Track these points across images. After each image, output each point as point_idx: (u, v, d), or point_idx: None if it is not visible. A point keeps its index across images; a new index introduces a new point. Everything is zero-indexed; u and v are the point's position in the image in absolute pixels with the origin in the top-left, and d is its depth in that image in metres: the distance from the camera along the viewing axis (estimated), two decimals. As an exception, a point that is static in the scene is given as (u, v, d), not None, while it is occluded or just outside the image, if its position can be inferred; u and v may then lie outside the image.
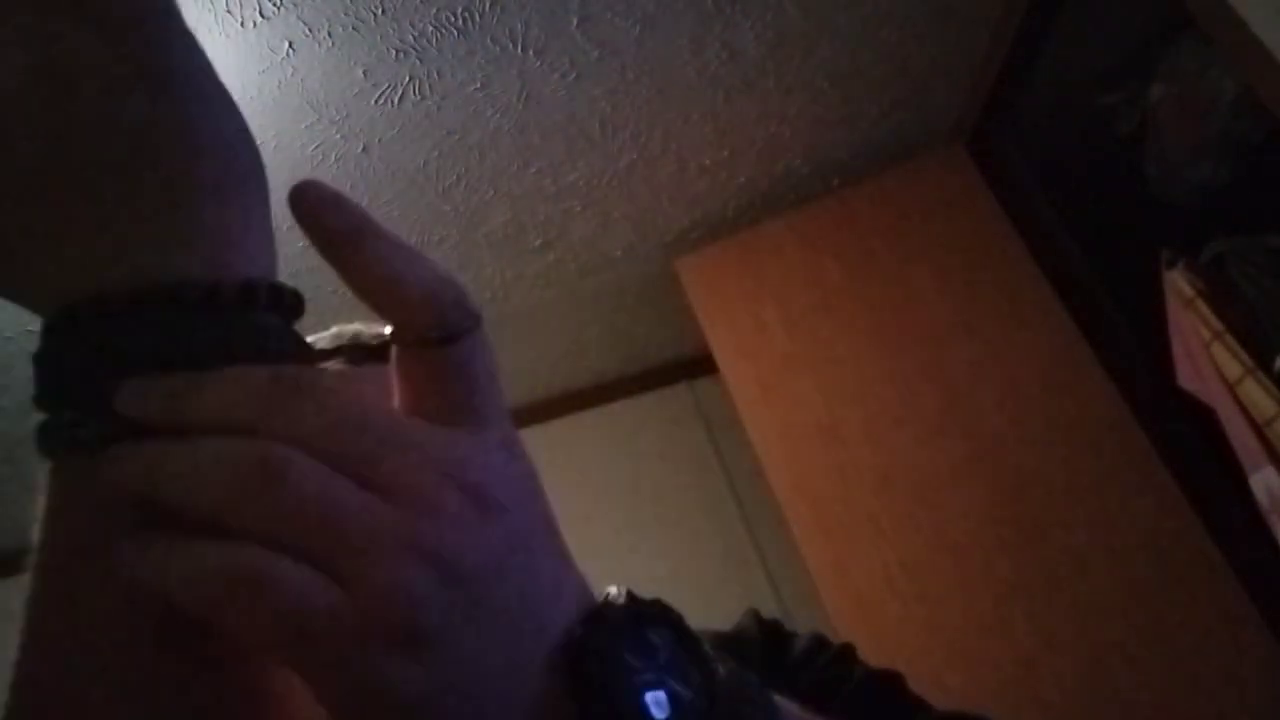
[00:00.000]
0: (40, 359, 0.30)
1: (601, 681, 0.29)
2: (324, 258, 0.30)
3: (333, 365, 0.62)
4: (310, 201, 0.30)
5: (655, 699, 0.29)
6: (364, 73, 1.68)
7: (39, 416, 0.30)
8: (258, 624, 0.25)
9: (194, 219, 0.30)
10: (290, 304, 0.32)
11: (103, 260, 0.29)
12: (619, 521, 2.73)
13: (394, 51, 1.66)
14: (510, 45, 1.72)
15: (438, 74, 1.73)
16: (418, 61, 1.69)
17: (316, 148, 1.81)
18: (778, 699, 0.34)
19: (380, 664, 0.25)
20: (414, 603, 0.26)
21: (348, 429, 0.27)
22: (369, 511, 0.26)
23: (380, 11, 1.58)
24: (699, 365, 2.69)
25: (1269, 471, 1.68)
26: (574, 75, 1.82)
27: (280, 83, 1.66)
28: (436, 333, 0.30)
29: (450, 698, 0.26)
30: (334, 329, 0.68)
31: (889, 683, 0.61)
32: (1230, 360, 1.70)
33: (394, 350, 0.31)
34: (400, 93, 1.74)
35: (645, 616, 0.31)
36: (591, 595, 0.32)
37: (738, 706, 0.31)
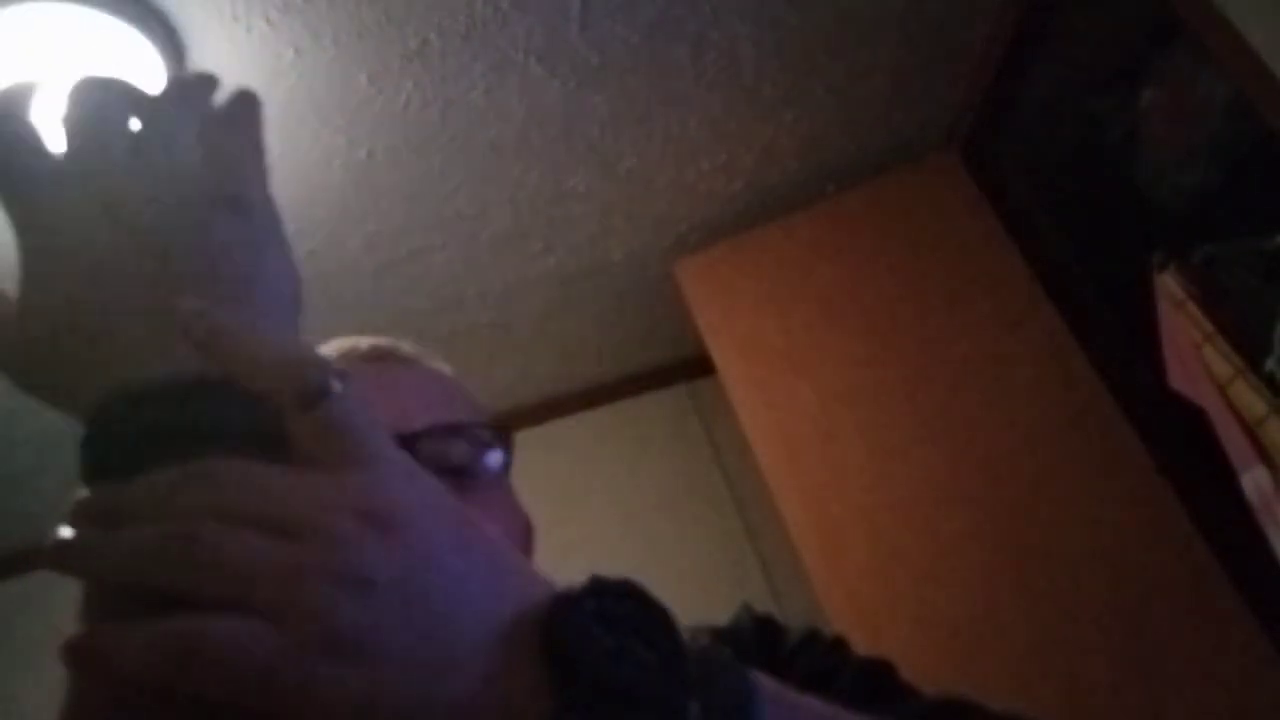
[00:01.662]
0: (96, 439, 0.36)
1: (573, 652, 0.31)
2: (209, 362, 0.36)
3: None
4: (182, 316, 0.36)
5: (628, 663, 0.31)
6: (368, 79, 1.70)
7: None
8: (214, 679, 0.28)
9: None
10: None
11: (156, 355, 0.37)
12: (617, 521, 2.74)
13: (398, 58, 1.68)
14: (513, 52, 1.74)
15: (441, 80, 1.75)
16: (421, 68, 1.71)
17: (321, 154, 1.83)
18: (754, 673, 0.35)
19: (325, 678, 0.29)
20: (335, 618, 0.29)
21: (250, 494, 0.32)
22: (277, 553, 0.30)
23: (385, 19, 1.60)
24: (697, 367, 2.70)
25: (1259, 471, 1.70)
26: (575, 82, 1.85)
27: (285, 89, 1.67)
28: (303, 399, 0.34)
29: (394, 693, 0.29)
30: (334, 341, 0.70)
31: (880, 670, 0.63)
32: (1221, 361, 1.71)
33: (289, 420, 0.35)
34: (404, 99, 1.76)
35: (608, 590, 0.34)
36: (550, 583, 0.35)
37: (709, 668, 0.33)
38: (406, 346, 0.71)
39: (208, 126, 0.43)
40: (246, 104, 0.45)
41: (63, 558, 0.32)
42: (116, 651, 0.29)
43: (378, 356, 0.69)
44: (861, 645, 0.66)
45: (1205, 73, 1.83)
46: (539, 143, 1.97)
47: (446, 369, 0.72)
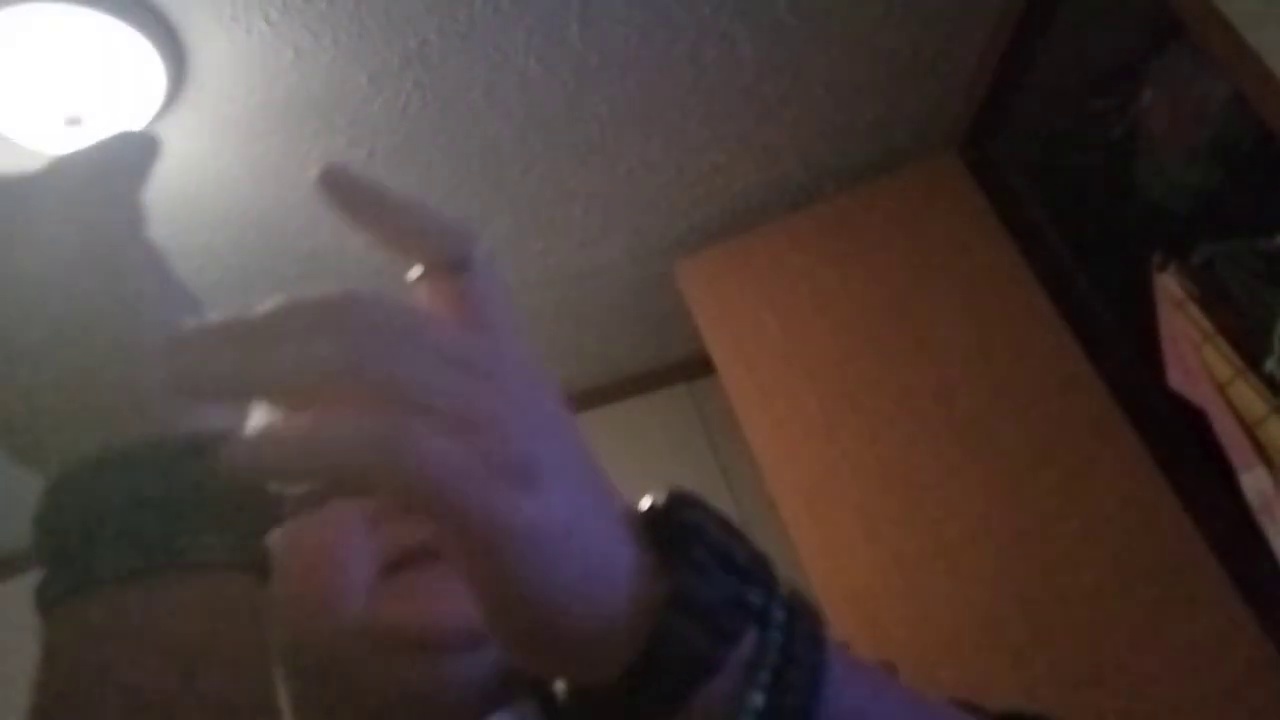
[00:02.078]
0: (60, 506, 0.35)
1: (688, 542, 0.33)
2: (352, 222, 0.36)
3: None
4: (337, 178, 0.37)
5: (735, 560, 0.34)
6: (368, 79, 1.70)
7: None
8: (413, 476, 0.29)
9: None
10: None
11: (120, 426, 0.36)
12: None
13: (398, 58, 1.68)
14: (512, 53, 1.74)
15: (441, 80, 1.75)
16: (421, 68, 1.71)
17: (321, 153, 1.83)
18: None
19: (505, 499, 0.30)
20: (518, 445, 0.31)
21: (417, 324, 0.31)
22: (463, 377, 0.31)
23: (384, 19, 1.60)
24: (697, 367, 2.70)
25: (1259, 471, 1.70)
26: (575, 82, 1.85)
27: (285, 89, 1.67)
28: (447, 264, 0.36)
29: (560, 527, 0.31)
30: None
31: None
32: (1220, 362, 1.72)
33: (426, 283, 0.36)
34: (404, 99, 1.76)
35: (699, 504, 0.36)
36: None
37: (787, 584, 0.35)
38: None
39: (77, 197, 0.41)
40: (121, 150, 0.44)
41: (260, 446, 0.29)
42: (328, 433, 0.28)
43: None
44: (862, 645, 0.66)
45: (1205, 73, 1.83)
46: (539, 143, 1.97)
47: None
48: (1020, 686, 1.84)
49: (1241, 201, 1.86)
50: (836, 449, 2.12)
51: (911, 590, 1.98)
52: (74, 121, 1.55)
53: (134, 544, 0.33)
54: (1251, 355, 1.69)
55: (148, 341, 0.37)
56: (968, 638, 1.91)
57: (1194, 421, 1.81)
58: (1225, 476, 1.78)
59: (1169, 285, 1.78)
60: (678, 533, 0.34)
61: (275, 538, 0.37)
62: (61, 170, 0.42)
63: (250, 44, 1.58)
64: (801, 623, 0.34)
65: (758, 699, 0.32)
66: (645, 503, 0.36)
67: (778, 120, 2.14)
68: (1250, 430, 1.70)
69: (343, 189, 0.37)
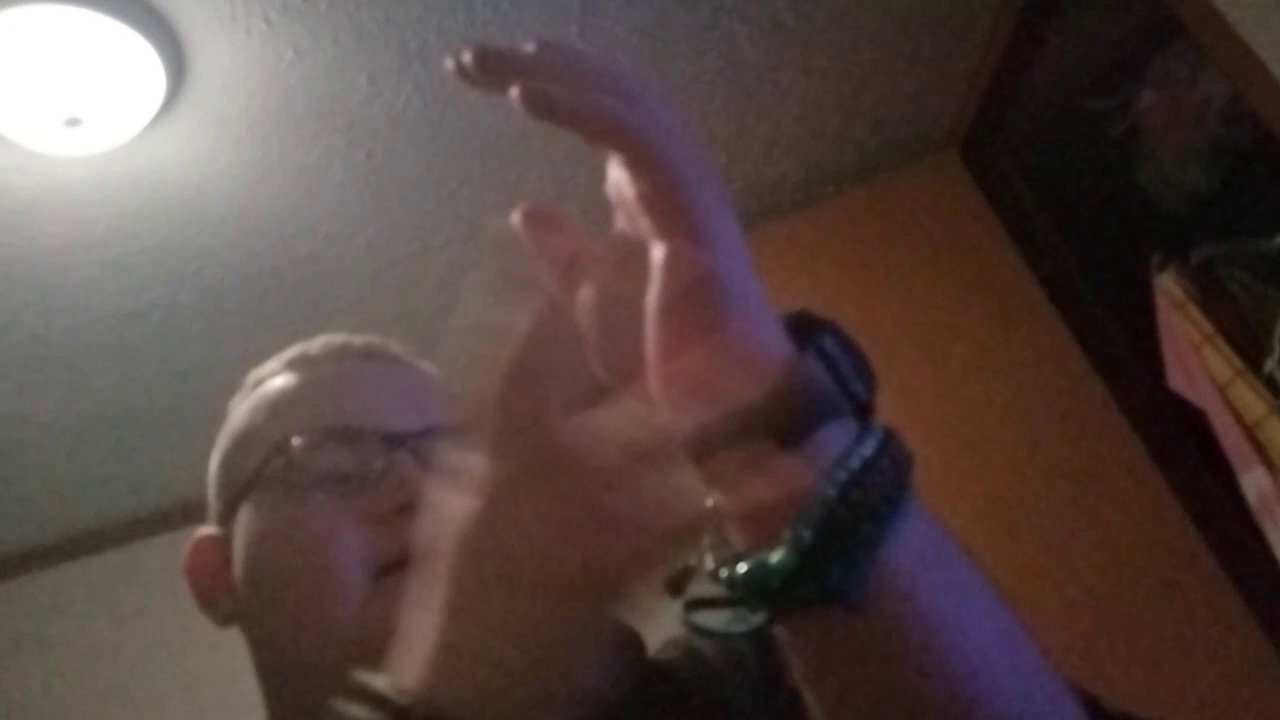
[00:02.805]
0: None
1: (821, 332, 0.43)
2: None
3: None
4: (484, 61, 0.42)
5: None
6: (368, 80, 1.70)
7: None
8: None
9: None
10: None
11: None
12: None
13: (398, 59, 1.68)
14: (512, 53, 1.73)
15: (441, 81, 1.74)
16: (421, 69, 1.71)
17: (321, 155, 1.83)
18: None
19: (682, 245, 0.39)
20: (692, 195, 0.41)
21: None
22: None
23: (385, 20, 1.60)
24: (697, 368, 2.70)
25: (1259, 472, 1.70)
26: (574, 82, 1.84)
27: (285, 90, 1.67)
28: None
29: (732, 276, 0.40)
30: (324, 338, 0.70)
31: None
32: (1220, 362, 1.71)
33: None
34: (404, 100, 1.76)
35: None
36: None
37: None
38: (396, 346, 0.71)
39: None
40: None
41: None
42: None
43: (371, 354, 0.69)
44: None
45: (1205, 74, 1.83)
46: (539, 143, 1.97)
47: (434, 370, 0.72)
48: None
49: (1241, 202, 1.85)
50: (836, 450, 2.12)
51: (911, 591, 1.97)
52: (73, 122, 1.55)
53: None
54: (1251, 356, 1.69)
55: None
56: (968, 638, 1.91)
57: (1194, 422, 1.81)
58: (1225, 477, 1.78)
59: (1168, 286, 1.78)
60: (811, 326, 0.42)
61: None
62: None
63: (250, 45, 1.58)
64: (896, 443, 0.40)
65: (840, 475, 0.36)
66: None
67: (776, 122, 2.14)
68: (1250, 431, 1.69)
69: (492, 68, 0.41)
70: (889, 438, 0.40)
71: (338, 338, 0.70)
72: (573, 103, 0.38)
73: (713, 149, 2.16)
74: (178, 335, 2.14)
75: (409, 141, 1.86)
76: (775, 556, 0.35)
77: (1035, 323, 2.12)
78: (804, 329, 0.42)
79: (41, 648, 2.51)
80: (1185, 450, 1.95)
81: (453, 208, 2.07)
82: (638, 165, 0.40)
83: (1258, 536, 1.74)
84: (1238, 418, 1.71)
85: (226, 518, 0.64)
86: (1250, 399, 1.68)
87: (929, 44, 2.04)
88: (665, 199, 0.40)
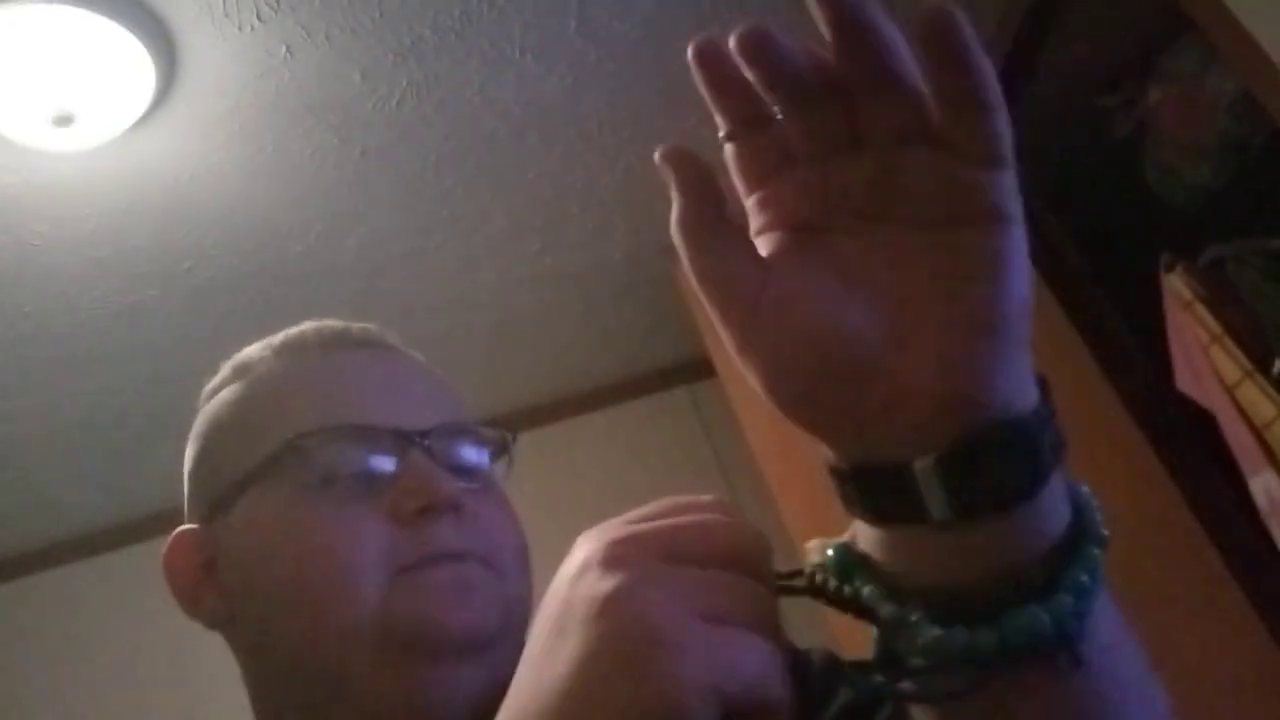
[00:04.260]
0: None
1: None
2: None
3: None
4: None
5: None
6: (361, 76, 1.68)
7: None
8: None
9: None
10: None
11: None
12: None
13: (391, 55, 1.66)
14: (508, 48, 1.71)
15: (435, 77, 1.72)
16: (415, 65, 1.69)
17: (314, 152, 1.81)
18: None
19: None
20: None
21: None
22: None
23: (378, 15, 1.58)
24: (698, 369, 2.68)
25: (1268, 475, 1.68)
26: (572, 78, 1.82)
27: (277, 87, 1.66)
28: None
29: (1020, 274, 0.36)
30: (314, 323, 0.67)
31: None
32: (1229, 363, 1.70)
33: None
34: (398, 96, 1.74)
35: None
36: None
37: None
38: (393, 336, 0.69)
39: None
40: None
41: None
42: None
43: (368, 343, 0.66)
44: (862, 648, 0.63)
45: (1213, 71, 1.81)
46: (535, 140, 1.95)
47: (427, 362, 0.70)
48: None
49: (1250, 200, 1.83)
50: (838, 452, 2.10)
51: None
52: (63, 119, 1.54)
53: None
54: (1260, 357, 1.67)
55: None
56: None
57: (1202, 424, 1.79)
58: (1234, 480, 1.76)
59: (1176, 285, 1.76)
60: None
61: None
62: None
63: (242, 41, 1.56)
64: (1095, 518, 0.38)
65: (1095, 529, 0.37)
66: None
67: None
68: (1259, 433, 1.67)
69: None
70: (1087, 489, 0.40)
71: (332, 324, 0.66)
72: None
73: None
74: (169, 335, 2.12)
75: (402, 139, 1.84)
76: (1017, 607, 0.35)
77: (1042, 322, 2.06)
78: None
79: (41, 648, 2.52)
80: (1194, 452, 1.93)
81: (448, 206, 2.05)
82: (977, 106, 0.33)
83: (1266, 540, 1.72)
84: (1247, 419, 1.69)
85: (213, 513, 0.61)
86: (1259, 400, 1.66)
87: (933, 40, 2.02)
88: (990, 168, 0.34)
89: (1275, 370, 1.65)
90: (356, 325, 0.67)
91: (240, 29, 1.54)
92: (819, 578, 0.41)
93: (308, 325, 0.66)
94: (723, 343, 0.41)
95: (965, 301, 0.35)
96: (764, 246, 0.40)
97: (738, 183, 0.41)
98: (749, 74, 0.36)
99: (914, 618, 0.37)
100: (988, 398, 0.36)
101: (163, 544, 0.62)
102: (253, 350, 0.67)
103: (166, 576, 0.62)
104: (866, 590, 0.39)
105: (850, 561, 0.40)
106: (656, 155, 0.39)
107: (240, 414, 0.63)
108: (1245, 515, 1.77)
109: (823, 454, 0.40)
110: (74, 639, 2.54)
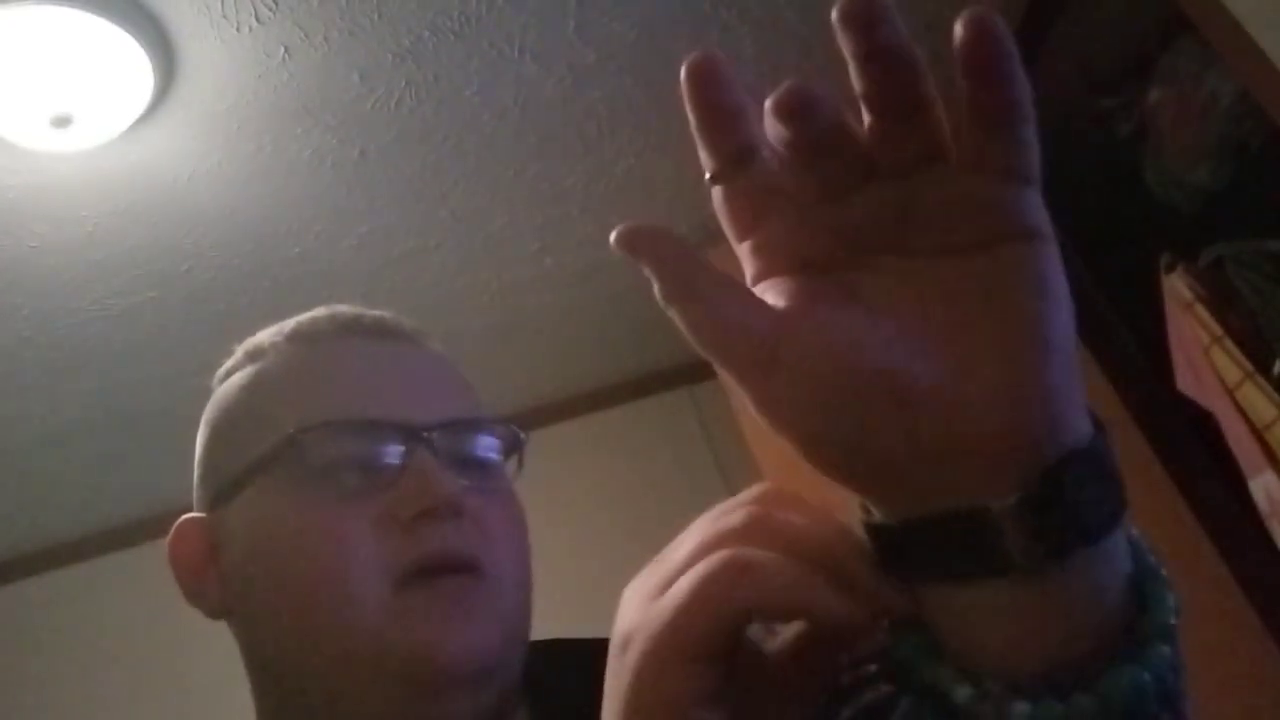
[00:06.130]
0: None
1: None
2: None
3: None
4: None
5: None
6: (360, 77, 1.68)
7: None
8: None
9: None
10: None
11: None
12: (619, 527, 2.71)
13: (390, 56, 1.66)
14: (507, 49, 1.71)
15: (434, 78, 1.72)
16: (414, 66, 1.69)
17: (313, 153, 1.81)
18: None
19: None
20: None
21: None
22: None
23: (376, 16, 1.57)
24: (698, 371, 2.68)
25: (1269, 476, 1.67)
26: (571, 79, 1.82)
27: (275, 87, 1.65)
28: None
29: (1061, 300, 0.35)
30: (326, 309, 0.66)
31: None
32: (1229, 364, 1.69)
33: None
34: (396, 97, 1.74)
35: None
36: None
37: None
38: (407, 322, 0.67)
39: None
40: None
41: None
42: None
43: (382, 331, 0.64)
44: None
45: (1213, 72, 1.80)
46: (534, 141, 1.95)
47: (443, 352, 0.68)
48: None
49: (1251, 200, 1.83)
50: (838, 453, 2.10)
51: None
52: (63, 121, 1.54)
53: None
54: (1261, 358, 1.67)
55: None
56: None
57: (1203, 425, 1.79)
58: (1234, 481, 1.76)
59: (1177, 286, 1.76)
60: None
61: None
62: None
63: (240, 41, 1.55)
64: (1145, 547, 0.36)
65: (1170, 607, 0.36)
66: None
67: (778, 119, 2.11)
68: (1259, 434, 1.67)
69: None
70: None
71: (345, 310, 0.65)
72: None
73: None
74: (168, 336, 2.12)
75: (401, 139, 1.84)
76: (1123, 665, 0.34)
77: (1040, 324, 2.09)
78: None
79: (41, 649, 2.52)
80: (1194, 454, 1.92)
81: (447, 207, 2.05)
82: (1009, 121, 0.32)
83: (1266, 540, 1.72)
84: (1247, 420, 1.69)
85: (216, 503, 0.60)
86: (1260, 402, 1.66)
87: (932, 43, 2.01)
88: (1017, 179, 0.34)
89: (1276, 371, 1.65)
90: (370, 313, 0.65)
91: (239, 30, 1.54)
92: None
93: (321, 311, 0.65)
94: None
95: (1018, 322, 0.32)
96: (769, 294, 0.37)
97: (727, 228, 0.38)
98: (783, 130, 0.33)
99: (995, 693, 0.32)
100: (1064, 425, 0.33)
101: (163, 545, 0.62)
102: (266, 335, 0.66)
103: (171, 563, 0.61)
104: (941, 673, 0.33)
105: (915, 642, 0.34)
106: (613, 242, 0.36)
107: (244, 401, 0.63)
108: (1245, 516, 1.77)
109: (857, 516, 0.36)
110: (74, 639, 2.54)
